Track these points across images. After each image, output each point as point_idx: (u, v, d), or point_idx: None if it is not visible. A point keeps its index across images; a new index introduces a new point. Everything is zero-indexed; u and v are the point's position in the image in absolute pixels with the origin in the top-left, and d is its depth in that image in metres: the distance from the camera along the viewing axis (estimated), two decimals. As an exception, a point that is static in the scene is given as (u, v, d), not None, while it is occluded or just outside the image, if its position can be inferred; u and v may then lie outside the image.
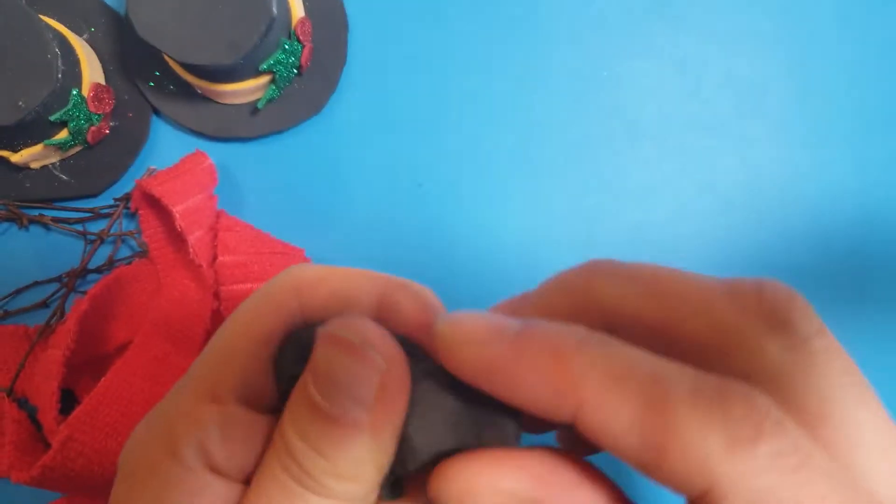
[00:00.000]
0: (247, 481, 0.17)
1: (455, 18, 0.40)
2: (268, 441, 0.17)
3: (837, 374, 0.15)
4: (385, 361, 0.16)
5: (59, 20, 0.38)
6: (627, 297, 0.16)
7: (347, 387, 0.15)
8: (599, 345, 0.15)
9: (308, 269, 0.18)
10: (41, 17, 0.34)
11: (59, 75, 0.34)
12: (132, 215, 0.39)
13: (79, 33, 0.38)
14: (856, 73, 0.39)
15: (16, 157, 0.36)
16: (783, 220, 0.39)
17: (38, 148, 0.36)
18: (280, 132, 0.39)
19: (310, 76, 0.39)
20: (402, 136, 0.39)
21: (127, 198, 0.38)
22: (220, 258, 0.34)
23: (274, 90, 0.37)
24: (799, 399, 0.15)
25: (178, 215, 0.34)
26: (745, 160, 0.39)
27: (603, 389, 0.14)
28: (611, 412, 0.14)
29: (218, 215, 0.37)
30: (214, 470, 0.17)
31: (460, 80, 0.39)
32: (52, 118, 0.35)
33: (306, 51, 0.37)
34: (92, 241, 0.38)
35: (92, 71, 0.37)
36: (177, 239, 0.37)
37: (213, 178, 0.37)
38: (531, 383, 0.15)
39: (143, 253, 0.38)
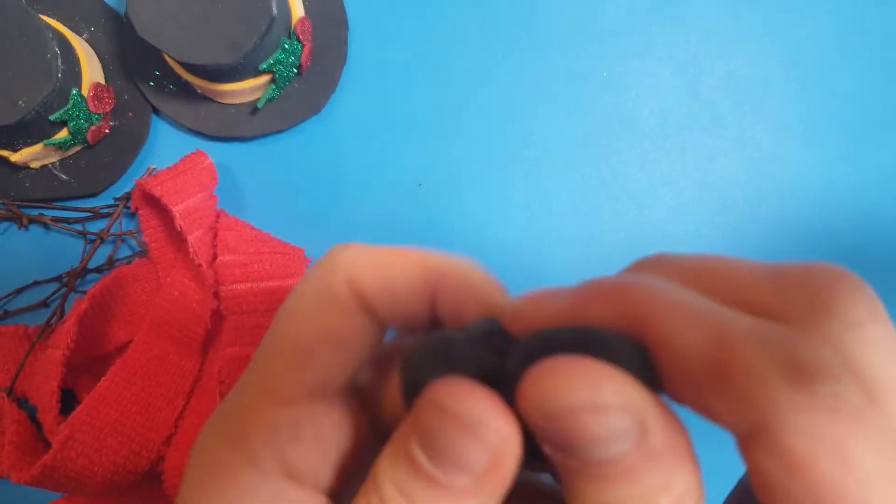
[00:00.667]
0: (323, 490, 0.17)
1: (455, 18, 0.40)
2: (342, 439, 0.17)
3: (882, 364, 0.14)
4: (498, 438, 0.15)
5: (59, 20, 0.38)
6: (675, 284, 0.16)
7: (456, 457, 0.15)
8: (664, 285, 0.15)
9: (359, 256, 0.17)
10: (41, 16, 0.34)
11: (59, 75, 0.34)
12: (132, 215, 0.39)
13: (79, 33, 0.38)
14: (855, 72, 0.39)
15: (15, 157, 0.36)
16: (783, 219, 0.39)
17: (37, 147, 0.36)
18: (280, 132, 0.39)
19: (310, 76, 0.39)
20: (402, 136, 0.39)
21: (127, 197, 0.38)
22: (221, 258, 0.34)
23: (274, 90, 0.37)
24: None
25: (177, 215, 0.34)
26: (745, 159, 0.39)
27: (670, 315, 0.14)
28: (676, 333, 0.14)
29: (218, 215, 0.37)
30: (292, 477, 0.16)
31: (460, 80, 0.39)
32: (51, 118, 0.35)
33: (306, 50, 0.37)
34: (92, 241, 0.38)
35: (92, 70, 0.37)
36: (177, 238, 0.37)
37: (213, 177, 0.37)
38: (600, 316, 0.15)
39: (142, 252, 0.38)
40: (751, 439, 0.13)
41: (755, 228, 0.39)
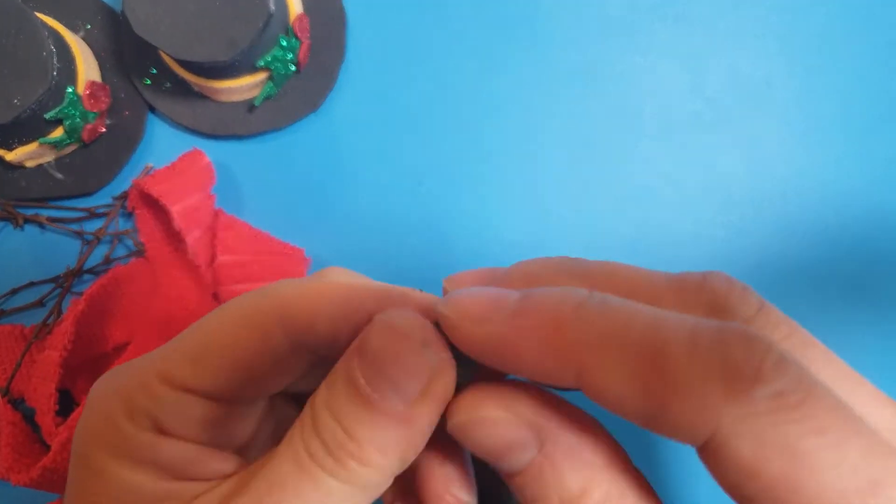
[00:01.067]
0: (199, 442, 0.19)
1: (455, 15, 0.39)
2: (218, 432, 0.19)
3: (782, 339, 0.16)
4: (438, 362, 0.16)
5: (54, 17, 0.37)
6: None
7: (395, 377, 0.16)
8: (598, 305, 0.15)
9: (292, 289, 0.18)
10: (36, 14, 0.34)
11: (55, 73, 0.33)
12: (128, 214, 0.38)
13: (74, 31, 0.38)
14: (860, 70, 0.39)
15: (10, 156, 0.36)
16: (787, 217, 0.39)
17: (33, 146, 0.36)
18: (278, 129, 0.39)
19: (308, 73, 0.38)
20: (402, 134, 0.39)
21: (124, 196, 0.38)
22: (220, 258, 0.34)
23: (271, 87, 0.37)
24: None
25: (176, 215, 0.34)
26: (749, 158, 0.38)
27: (601, 354, 0.14)
28: (610, 375, 0.14)
29: (216, 214, 0.37)
30: (164, 434, 0.19)
31: (460, 78, 0.39)
32: (47, 116, 0.34)
33: (304, 47, 0.37)
34: (89, 242, 0.38)
35: (88, 68, 0.36)
36: (174, 238, 0.37)
37: (210, 176, 0.37)
38: (533, 355, 0.15)
39: (139, 252, 0.38)
40: (704, 451, 0.14)
41: (758, 227, 0.39)
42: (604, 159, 0.39)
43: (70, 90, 0.35)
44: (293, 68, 0.37)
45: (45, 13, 0.38)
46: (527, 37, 0.39)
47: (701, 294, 0.17)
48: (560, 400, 0.17)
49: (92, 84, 0.36)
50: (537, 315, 0.15)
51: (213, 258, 0.35)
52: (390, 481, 0.17)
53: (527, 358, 0.15)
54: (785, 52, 0.39)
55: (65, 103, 0.35)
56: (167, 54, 0.34)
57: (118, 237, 0.38)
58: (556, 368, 0.15)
